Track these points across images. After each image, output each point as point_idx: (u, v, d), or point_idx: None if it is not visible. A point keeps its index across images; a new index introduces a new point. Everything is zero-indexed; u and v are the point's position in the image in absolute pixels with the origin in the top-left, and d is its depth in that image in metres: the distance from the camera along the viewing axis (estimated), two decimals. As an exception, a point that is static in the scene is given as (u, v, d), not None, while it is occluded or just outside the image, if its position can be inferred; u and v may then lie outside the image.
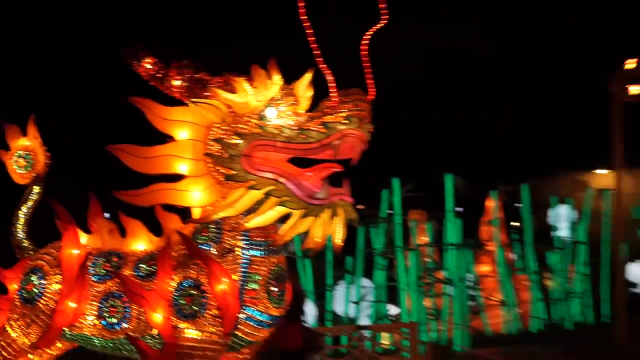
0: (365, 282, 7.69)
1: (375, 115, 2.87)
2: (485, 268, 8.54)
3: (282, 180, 2.82)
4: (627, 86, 8.89)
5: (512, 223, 9.13)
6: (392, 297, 7.79)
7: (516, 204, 9.12)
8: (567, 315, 8.89)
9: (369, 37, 3.13)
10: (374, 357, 6.32)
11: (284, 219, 2.89)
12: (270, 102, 2.88)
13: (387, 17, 3.16)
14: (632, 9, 13.85)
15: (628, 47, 8.68)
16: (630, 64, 8.53)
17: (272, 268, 2.92)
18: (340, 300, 7.50)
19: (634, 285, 9.94)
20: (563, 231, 9.69)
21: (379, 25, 3.16)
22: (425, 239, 8.08)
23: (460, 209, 8.33)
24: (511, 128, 16.85)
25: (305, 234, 2.94)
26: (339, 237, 2.92)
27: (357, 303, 7.46)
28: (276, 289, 2.94)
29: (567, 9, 16.24)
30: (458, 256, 7.88)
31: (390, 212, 7.84)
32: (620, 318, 8.68)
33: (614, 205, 9.35)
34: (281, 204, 2.84)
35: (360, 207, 6.58)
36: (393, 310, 7.71)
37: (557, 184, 14.23)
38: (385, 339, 6.85)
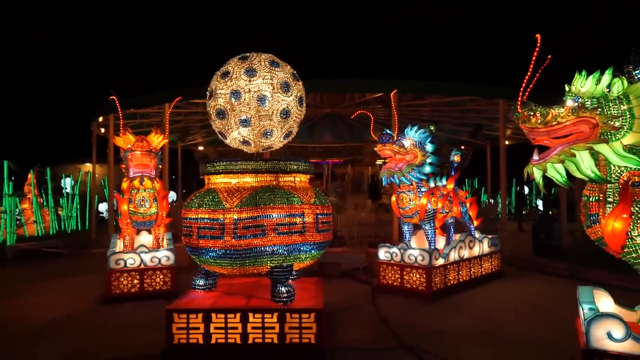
0: None
1: None
2: None
3: None
4: (100, 128, 17.97)
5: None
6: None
7: (46, 177, 17.49)
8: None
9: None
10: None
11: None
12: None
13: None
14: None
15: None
16: (100, 118, 17.44)
17: None
18: None
19: (101, 213, 19.68)
20: (68, 188, 18.51)
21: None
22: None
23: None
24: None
25: None
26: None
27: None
28: None
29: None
30: None
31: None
32: (92, 229, 17.93)
33: (92, 181, 18.68)
34: None
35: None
36: None
37: (68, 168, 23.11)
38: None
